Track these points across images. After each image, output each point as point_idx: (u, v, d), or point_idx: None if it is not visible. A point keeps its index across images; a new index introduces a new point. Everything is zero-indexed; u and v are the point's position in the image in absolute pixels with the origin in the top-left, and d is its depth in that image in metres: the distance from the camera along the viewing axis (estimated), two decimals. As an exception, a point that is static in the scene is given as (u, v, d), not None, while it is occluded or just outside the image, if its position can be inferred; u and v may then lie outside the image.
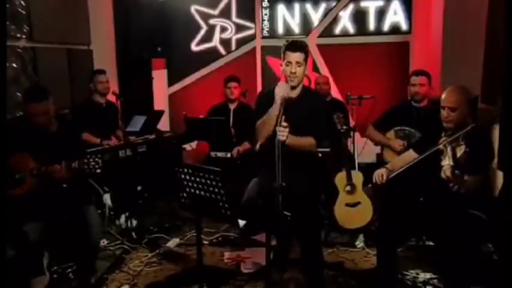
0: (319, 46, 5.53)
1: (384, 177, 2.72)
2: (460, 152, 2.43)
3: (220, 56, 5.75)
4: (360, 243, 3.48)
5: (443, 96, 2.57)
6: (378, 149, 3.81)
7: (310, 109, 2.75)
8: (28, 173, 2.67)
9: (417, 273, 2.95)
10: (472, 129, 2.50)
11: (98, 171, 2.67)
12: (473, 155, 2.39)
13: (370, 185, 2.98)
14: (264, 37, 5.62)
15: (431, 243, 3.14)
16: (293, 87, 2.71)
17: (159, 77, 5.64)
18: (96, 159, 2.64)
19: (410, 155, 2.76)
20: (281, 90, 2.58)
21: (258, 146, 2.82)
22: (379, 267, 2.69)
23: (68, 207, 2.70)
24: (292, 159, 2.55)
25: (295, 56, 2.65)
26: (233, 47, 5.73)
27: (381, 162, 3.67)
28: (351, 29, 5.46)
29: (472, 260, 2.42)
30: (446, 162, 2.49)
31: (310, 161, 2.89)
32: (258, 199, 2.70)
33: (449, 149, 2.43)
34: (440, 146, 2.55)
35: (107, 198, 3.74)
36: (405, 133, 3.50)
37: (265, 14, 5.58)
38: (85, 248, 2.70)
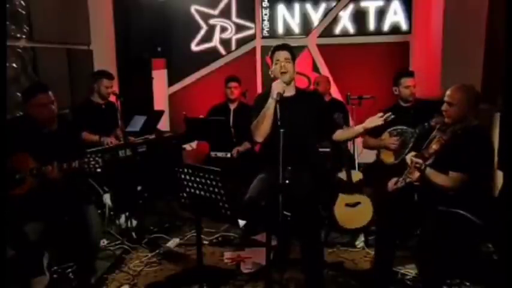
0: (319, 46, 5.54)
1: (393, 185, 2.76)
2: (434, 144, 2.47)
3: (220, 56, 5.75)
4: (360, 243, 3.48)
5: (447, 91, 2.64)
6: (377, 149, 3.82)
7: (308, 107, 2.77)
8: (28, 173, 2.67)
9: (417, 273, 2.95)
10: (467, 128, 2.52)
11: (98, 170, 2.67)
12: (460, 152, 2.42)
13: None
14: (264, 37, 5.63)
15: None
16: (286, 84, 2.76)
17: (159, 77, 5.65)
18: (97, 158, 2.64)
19: None
20: (277, 87, 2.64)
21: (258, 140, 2.84)
22: (377, 266, 2.71)
23: (67, 207, 2.70)
24: (297, 158, 2.56)
25: (283, 54, 2.80)
26: (233, 47, 5.73)
27: (380, 162, 3.67)
28: (351, 29, 5.47)
29: (450, 258, 2.42)
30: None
31: (315, 160, 2.90)
32: (259, 199, 2.71)
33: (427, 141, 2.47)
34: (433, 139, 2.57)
35: (106, 198, 3.73)
36: (398, 132, 3.50)
37: (265, 14, 5.59)
38: (85, 248, 2.70)
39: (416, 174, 2.50)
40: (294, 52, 2.90)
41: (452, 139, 2.48)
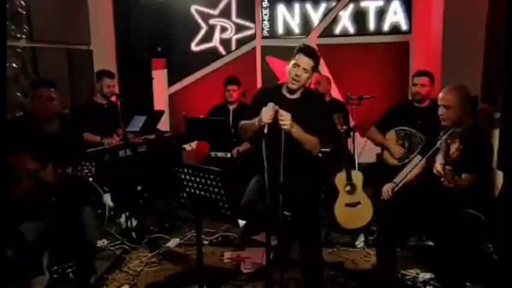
0: (319, 46, 5.49)
1: (390, 193, 2.75)
2: (453, 149, 2.45)
3: (220, 56, 5.75)
4: (360, 243, 3.48)
5: (440, 94, 2.61)
6: (378, 149, 3.81)
7: (311, 109, 2.75)
8: (26, 174, 2.66)
9: (417, 273, 2.95)
10: (468, 128, 2.52)
11: (90, 179, 2.65)
12: (467, 153, 2.41)
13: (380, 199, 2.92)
14: (264, 37, 5.63)
15: (431, 243, 3.14)
16: (293, 91, 2.73)
17: (159, 77, 5.65)
18: (90, 167, 2.62)
19: (416, 161, 2.79)
20: (267, 115, 2.47)
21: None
22: (378, 267, 2.70)
23: (62, 209, 2.68)
24: (292, 160, 2.55)
25: (305, 61, 2.65)
26: (233, 47, 5.73)
27: (381, 162, 3.67)
28: (351, 29, 5.47)
29: (467, 259, 2.42)
30: (440, 158, 2.52)
31: (310, 163, 2.88)
32: (257, 202, 2.69)
33: (443, 145, 2.45)
34: (438, 144, 2.56)
35: (107, 198, 3.73)
36: (406, 133, 3.50)
37: (265, 14, 5.59)
38: (82, 248, 2.69)
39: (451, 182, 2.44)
40: (319, 62, 2.75)
41: (460, 142, 2.47)
